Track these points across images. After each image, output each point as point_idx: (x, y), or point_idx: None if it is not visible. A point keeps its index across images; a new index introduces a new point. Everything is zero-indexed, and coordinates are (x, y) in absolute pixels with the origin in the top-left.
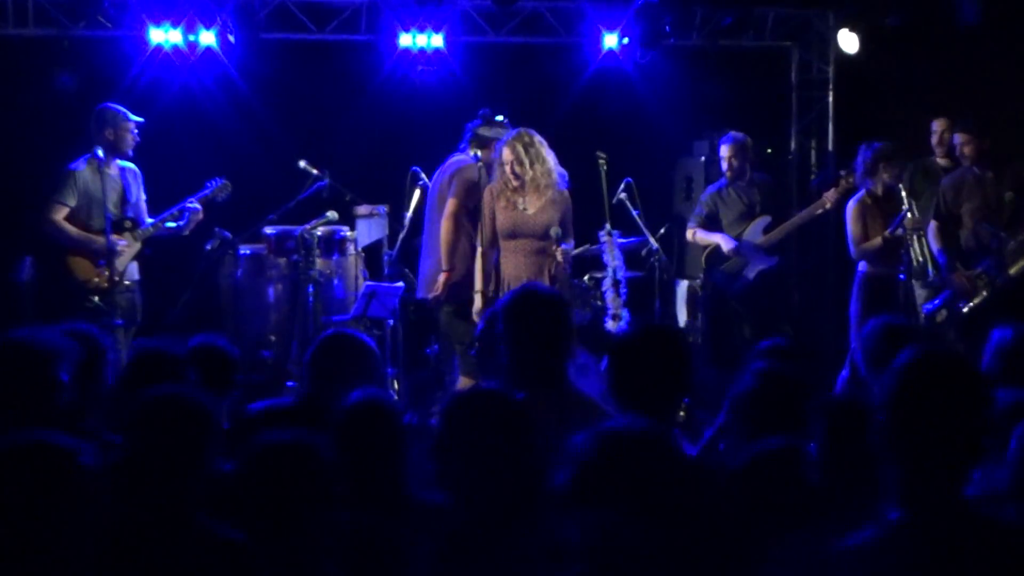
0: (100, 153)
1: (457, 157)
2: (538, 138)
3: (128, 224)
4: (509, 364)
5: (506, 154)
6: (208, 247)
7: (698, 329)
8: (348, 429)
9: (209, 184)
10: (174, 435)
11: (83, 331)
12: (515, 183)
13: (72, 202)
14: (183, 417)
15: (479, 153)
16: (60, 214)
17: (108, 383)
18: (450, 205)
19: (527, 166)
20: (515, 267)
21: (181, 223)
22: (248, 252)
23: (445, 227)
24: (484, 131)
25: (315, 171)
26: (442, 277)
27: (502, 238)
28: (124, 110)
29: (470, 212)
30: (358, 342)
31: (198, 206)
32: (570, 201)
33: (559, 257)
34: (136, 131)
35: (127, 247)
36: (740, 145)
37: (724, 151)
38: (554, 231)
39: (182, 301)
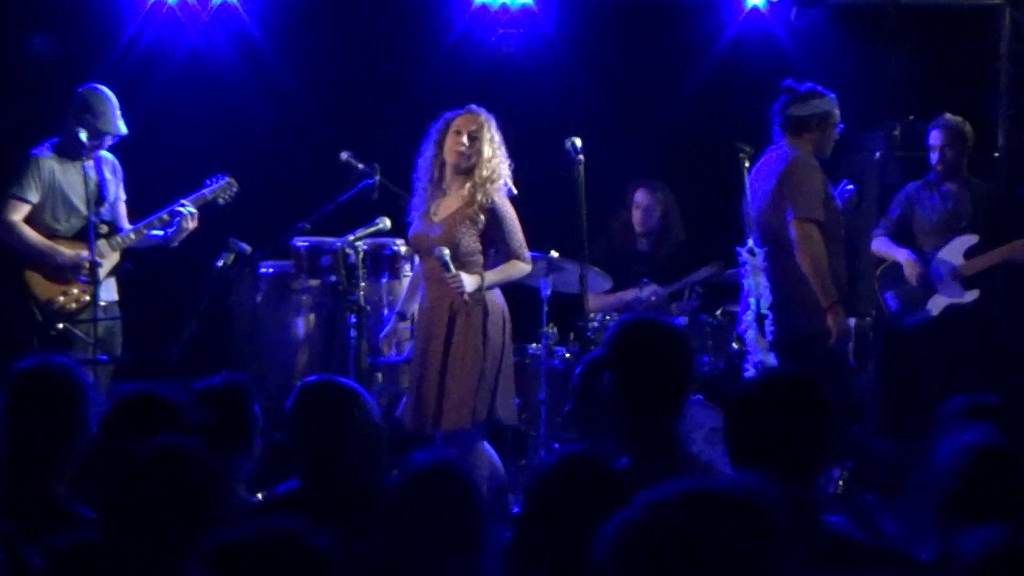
0: (83, 137)
1: (765, 158)
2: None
3: (104, 229)
4: (614, 421)
5: (457, 124)
6: (219, 264)
7: (868, 382)
8: None
9: (209, 183)
10: (169, 509)
11: (53, 366)
12: (448, 172)
13: (35, 198)
14: (183, 484)
15: (794, 143)
16: (19, 213)
17: (88, 436)
18: (797, 228)
19: (486, 147)
20: (430, 293)
21: (168, 231)
22: (271, 271)
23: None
24: (798, 109)
25: (361, 165)
26: (831, 316)
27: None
28: (112, 110)
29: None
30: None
31: (191, 209)
32: (507, 217)
33: (452, 286)
34: (117, 138)
35: (101, 258)
36: (956, 132)
37: (935, 138)
38: (439, 254)
39: (184, 334)
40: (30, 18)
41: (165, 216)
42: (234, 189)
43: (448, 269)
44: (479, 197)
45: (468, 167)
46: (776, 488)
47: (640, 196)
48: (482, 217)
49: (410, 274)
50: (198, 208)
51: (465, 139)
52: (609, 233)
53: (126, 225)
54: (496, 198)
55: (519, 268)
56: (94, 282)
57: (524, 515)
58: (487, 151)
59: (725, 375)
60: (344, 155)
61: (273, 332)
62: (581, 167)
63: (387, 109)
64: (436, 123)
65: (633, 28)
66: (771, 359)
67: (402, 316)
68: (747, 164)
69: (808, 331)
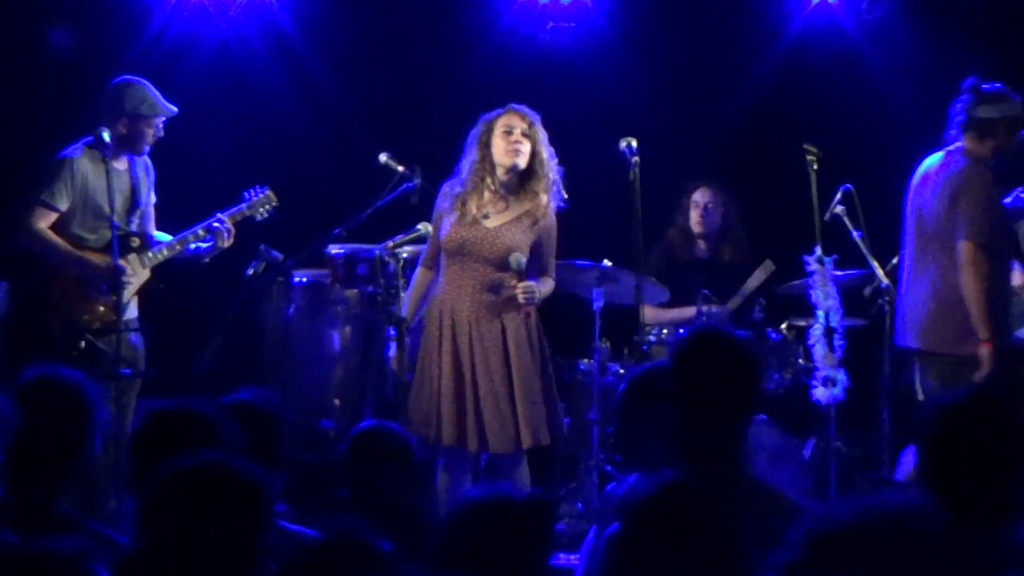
0: (106, 137)
1: (938, 157)
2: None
3: (135, 242)
4: (675, 439)
5: (506, 123)
6: (249, 272)
7: None
8: None
9: (247, 195)
10: (212, 523)
11: (56, 378)
12: (502, 175)
13: (64, 204)
14: (226, 497)
15: (975, 148)
16: (45, 220)
17: (93, 452)
18: (966, 251)
19: (542, 148)
20: (453, 298)
21: (202, 247)
22: (305, 280)
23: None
24: (986, 111)
25: (401, 168)
26: (985, 350)
27: (444, 256)
28: (154, 94)
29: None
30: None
31: (228, 226)
32: (555, 230)
33: (521, 297)
34: (163, 123)
35: (131, 275)
36: None
37: None
38: (515, 258)
39: (210, 348)
40: (48, 11)
41: (200, 231)
42: (273, 203)
43: (522, 277)
44: (541, 204)
45: (526, 169)
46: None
47: (699, 194)
48: (540, 224)
49: None
50: (235, 223)
51: (519, 137)
52: (667, 241)
53: (154, 231)
54: (552, 207)
55: (551, 287)
56: (118, 292)
57: (621, 541)
58: (544, 152)
59: (790, 393)
60: (383, 156)
61: (307, 346)
62: (637, 169)
63: (428, 107)
64: (476, 125)
65: (691, 22)
66: (840, 375)
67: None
68: (815, 167)
69: (956, 353)
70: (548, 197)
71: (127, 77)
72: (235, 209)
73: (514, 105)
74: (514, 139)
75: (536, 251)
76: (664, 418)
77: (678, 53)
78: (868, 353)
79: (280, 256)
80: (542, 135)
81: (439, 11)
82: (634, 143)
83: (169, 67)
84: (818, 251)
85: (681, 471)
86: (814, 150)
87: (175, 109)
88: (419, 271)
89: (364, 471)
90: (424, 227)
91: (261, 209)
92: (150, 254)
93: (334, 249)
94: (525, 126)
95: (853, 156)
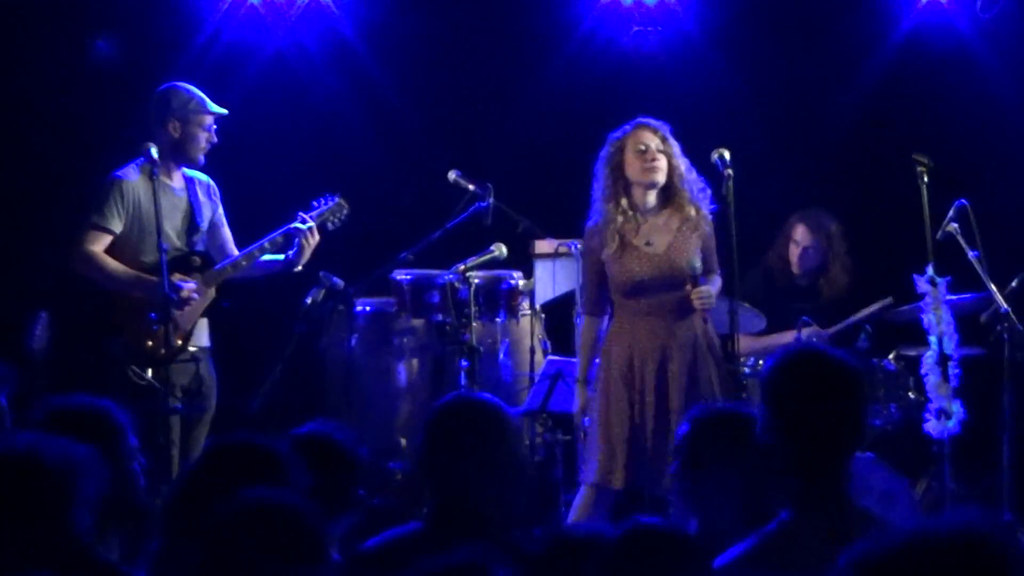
0: (154, 153)
1: None
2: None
3: (196, 261)
4: (771, 466)
5: (637, 140)
6: (308, 300)
7: None
8: None
9: (317, 203)
10: (272, 568)
11: (87, 408)
12: (642, 195)
13: (118, 227)
14: (285, 541)
15: None
16: (100, 244)
17: (138, 488)
18: None
19: (680, 161)
20: (638, 336)
21: (289, 253)
22: (369, 309)
23: None
24: None
25: (472, 186)
26: None
27: (620, 295)
28: (201, 95)
29: None
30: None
31: (311, 223)
32: (711, 226)
33: (697, 303)
34: (215, 128)
35: (195, 297)
36: None
37: None
38: (690, 262)
39: (268, 383)
40: (93, 21)
41: (279, 238)
42: (345, 211)
43: (696, 282)
44: (692, 216)
45: (666, 185)
46: None
47: (801, 234)
48: (699, 232)
49: (528, 312)
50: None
51: (655, 154)
52: (765, 264)
53: (235, 252)
54: (705, 214)
55: (720, 285)
56: (165, 320)
57: None
58: (681, 164)
59: (901, 429)
60: (453, 174)
61: (371, 380)
62: (730, 183)
63: (502, 120)
64: (604, 147)
65: (789, 24)
66: (956, 407)
67: (586, 383)
68: (926, 180)
69: None
70: (698, 205)
71: (170, 83)
72: (311, 213)
73: (643, 119)
74: (650, 156)
75: (703, 257)
76: (731, 465)
77: (775, 58)
78: (987, 384)
79: (342, 283)
80: (676, 147)
81: (513, 15)
82: (727, 155)
83: (222, 78)
84: (930, 271)
85: (783, 502)
86: (925, 161)
87: (225, 111)
88: (586, 320)
89: (437, 445)
90: (498, 249)
91: (333, 217)
92: (212, 272)
93: (400, 275)
94: (658, 140)
95: (968, 168)
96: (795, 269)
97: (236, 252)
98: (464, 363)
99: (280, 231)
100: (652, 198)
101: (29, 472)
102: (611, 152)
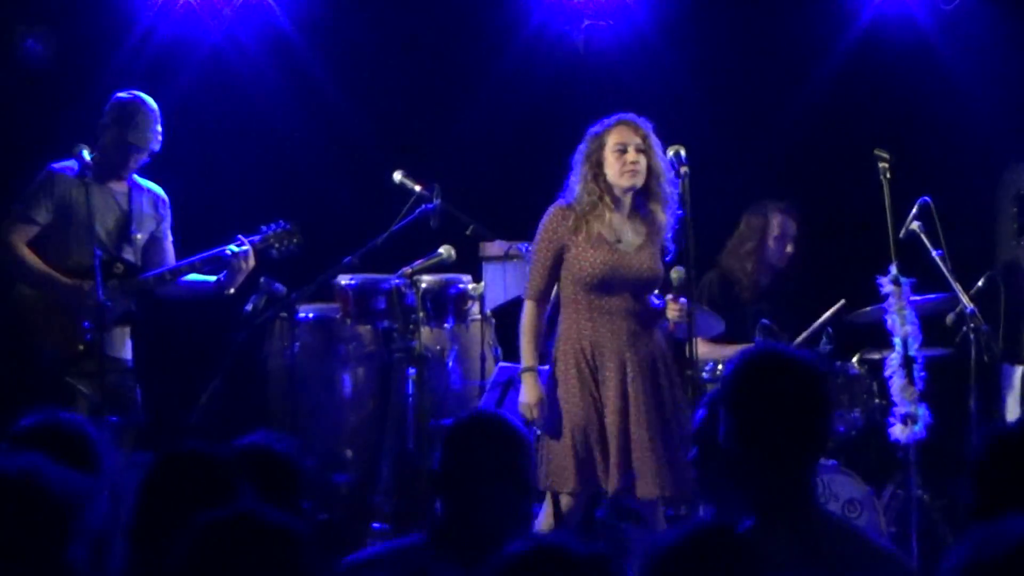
0: (86, 155)
1: None
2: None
3: (119, 268)
4: (733, 472)
5: (618, 138)
6: (249, 308)
7: None
8: None
9: (266, 228)
10: None
11: (56, 425)
12: (620, 195)
13: (43, 218)
14: (274, 556)
15: None
16: (23, 233)
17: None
18: None
19: (657, 162)
20: (598, 334)
21: (221, 276)
22: (312, 316)
23: None
24: None
25: (418, 187)
26: None
27: (581, 288)
28: (158, 123)
29: None
30: (508, 429)
31: (247, 246)
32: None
33: (674, 314)
34: (148, 158)
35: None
36: None
37: None
38: (677, 274)
39: (207, 394)
40: (23, 17)
41: (212, 258)
42: (295, 240)
43: (677, 296)
44: (661, 222)
45: (645, 188)
46: None
47: (786, 225)
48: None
49: (478, 317)
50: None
51: (635, 155)
52: (721, 267)
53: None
54: (668, 223)
55: None
56: (99, 328)
57: None
58: (660, 165)
59: (865, 435)
60: (398, 175)
61: (315, 390)
62: (687, 181)
63: (449, 119)
64: (584, 140)
65: (745, 16)
66: (921, 411)
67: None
68: (888, 177)
69: None
70: (667, 214)
71: (137, 98)
72: (254, 239)
73: (624, 115)
74: (629, 158)
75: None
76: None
77: (731, 52)
78: (953, 387)
79: (283, 289)
80: (656, 146)
81: (459, 8)
82: (683, 152)
83: (157, 76)
84: (893, 271)
85: (747, 509)
86: (887, 157)
87: (157, 148)
88: (530, 307)
89: (457, 457)
90: (446, 252)
91: (279, 244)
92: (133, 280)
93: (344, 280)
94: (639, 140)
95: (931, 164)
96: (776, 261)
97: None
98: (411, 371)
99: (213, 252)
100: (629, 198)
101: (30, 499)
102: (591, 147)
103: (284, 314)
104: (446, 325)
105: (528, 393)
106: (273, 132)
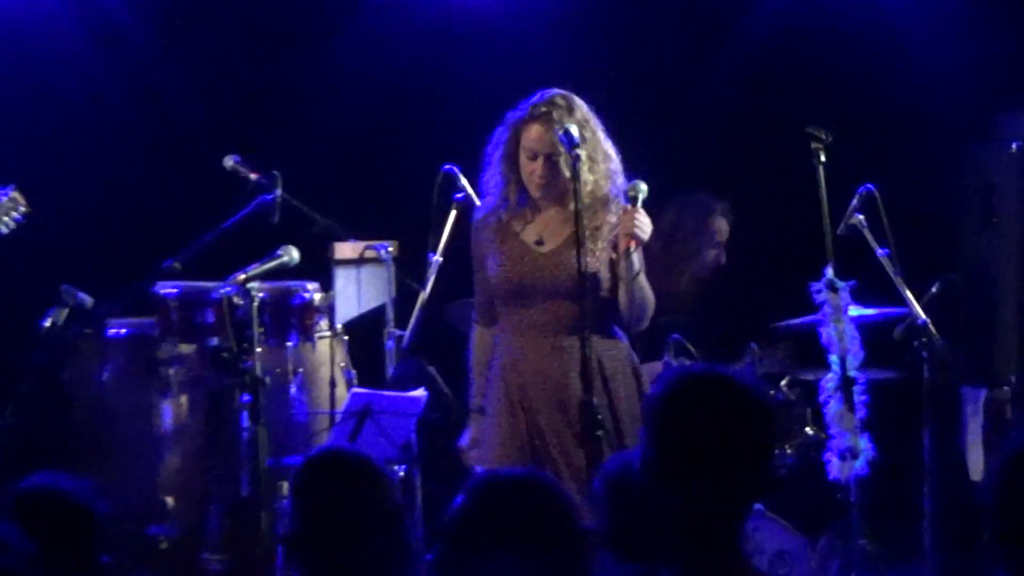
0: None
1: None
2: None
3: None
4: (650, 516)
5: (527, 142)
6: (47, 323)
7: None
8: None
9: None
10: None
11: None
12: (540, 180)
13: None
14: None
15: None
16: None
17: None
18: None
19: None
20: (533, 358)
21: None
22: (125, 332)
23: None
24: None
25: (253, 176)
26: None
27: (499, 301)
28: None
29: None
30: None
31: None
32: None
33: (630, 225)
34: None
35: None
36: None
37: None
38: (634, 187)
39: None
40: None
41: None
42: (21, 209)
43: (635, 204)
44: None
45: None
46: None
47: (725, 229)
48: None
49: (327, 333)
50: None
51: (541, 170)
52: None
53: None
54: (613, 206)
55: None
56: None
57: None
58: (595, 162)
59: (796, 473)
60: (230, 160)
61: (129, 422)
62: (580, 165)
63: (290, 97)
64: (501, 126)
65: None
66: (863, 443)
67: (482, 411)
68: (823, 159)
69: None
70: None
71: None
72: None
73: (536, 105)
74: (538, 171)
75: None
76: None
77: (639, 16)
78: (902, 415)
79: (89, 300)
80: (590, 133)
81: None
82: (574, 131)
83: None
84: (829, 274)
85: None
86: (822, 136)
87: None
88: (475, 334)
89: (308, 504)
90: (288, 253)
91: (4, 218)
92: None
93: (164, 288)
94: (546, 146)
95: (876, 146)
96: (712, 262)
97: None
98: (246, 398)
99: None
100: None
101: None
102: (508, 139)
103: (89, 330)
104: (288, 343)
105: (467, 435)
106: (76, 107)
